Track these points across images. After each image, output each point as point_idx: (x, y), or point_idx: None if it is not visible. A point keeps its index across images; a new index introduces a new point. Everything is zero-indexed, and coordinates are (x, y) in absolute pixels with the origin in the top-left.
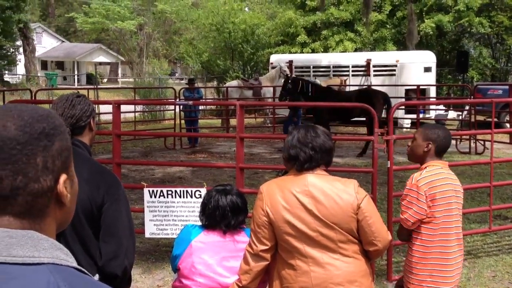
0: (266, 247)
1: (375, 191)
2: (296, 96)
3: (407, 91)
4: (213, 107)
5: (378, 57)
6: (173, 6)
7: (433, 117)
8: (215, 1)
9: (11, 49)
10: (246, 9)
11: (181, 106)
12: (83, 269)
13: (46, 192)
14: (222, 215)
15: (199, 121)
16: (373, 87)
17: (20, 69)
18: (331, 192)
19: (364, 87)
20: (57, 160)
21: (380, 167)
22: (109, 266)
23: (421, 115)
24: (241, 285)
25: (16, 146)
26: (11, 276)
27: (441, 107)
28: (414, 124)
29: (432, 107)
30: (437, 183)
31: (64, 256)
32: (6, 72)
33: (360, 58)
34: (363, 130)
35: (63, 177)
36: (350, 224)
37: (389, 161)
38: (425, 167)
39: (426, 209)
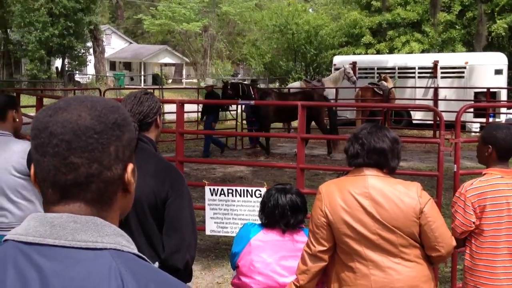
0: (324, 248)
1: (440, 195)
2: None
3: (476, 94)
4: None
5: (446, 59)
6: (237, 8)
7: (503, 122)
8: (279, 3)
9: (82, 50)
10: (310, 10)
11: (243, 107)
12: (143, 256)
13: (116, 180)
14: (282, 214)
15: None
16: (420, 90)
17: (90, 69)
18: (392, 195)
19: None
20: (126, 150)
21: (446, 171)
22: (171, 259)
23: (490, 119)
24: (298, 285)
25: (93, 135)
26: (76, 260)
27: None
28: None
29: (502, 110)
30: (488, 194)
31: (126, 243)
32: (77, 72)
33: (427, 59)
34: (429, 133)
35: (130, 166)
36: (412, 228)
37: (455, 165)
38: (483, 174)
39: (474, 220)
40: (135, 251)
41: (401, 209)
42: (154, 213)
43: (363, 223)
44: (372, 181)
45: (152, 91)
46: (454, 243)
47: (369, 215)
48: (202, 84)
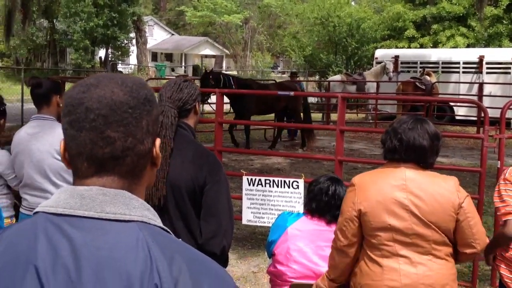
0: (351, 242)
1: (482, 192)
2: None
3: None
4: (313, 101)
5: (492, 54)
6: (279, 1)
7: None
8: None
9: (125, 41)
10: (353, 3)
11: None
12: (169, 230)
13: (147, 154)
14: (337, 205)
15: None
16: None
17: (133, 59)
18: (431, 189)
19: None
20: (155, 124)
21: (489, 168)
22: (208, 245)
23: None
24: (330, 278)
25: (128, 110)
26: (105, 231)
27: None
28: None
29: None
30: None
31: (152, 216)
32: (120, 62)
33: (472, 54)
34: (472, 130)
35: (158, 140)
36: (449, 223)
37: (499, 162)
38: None
39: None
40: (161, 224)
41: (440, 203)
42: (192, 198)
43: (399, 217)
44: (410, 174)
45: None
46: (487, 240)
47: (406, 209)
48: (174, 75)
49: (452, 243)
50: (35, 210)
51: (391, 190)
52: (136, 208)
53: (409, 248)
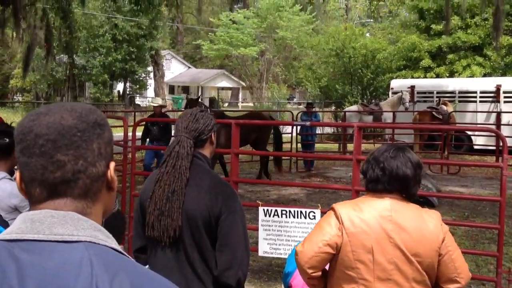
0: (318, 274)
1: (503, 222)
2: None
3: None
4: (330, 131)
5: (510, 83)
6: (294, 33)
7: None
8: (336, 27)
9: (143, 74)
10: (367, 34)
11: (298, 130)
12: (121, 250)
13: (101, 177)
14: None
15: (316, 145)
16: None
17: (150, 92)
18: (416, 221)
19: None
20: (108, 148)
21: (510, 198)
22: (223, 276)
23: None
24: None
25: (77, 133)
26: (51, 252)
27: None
28: None
29: None
30: None
31: (103, 237)
32: (138, 95)
33: (489, 83)
34: (491, 159)
35: (112, 164)
36: (433, 258)
37: None
38: None
39: None
40: (113, 245)
41: (425, 237)
42: (207, 228)
43: (383, 250)
44: (395, 205)
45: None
46: (470, 274)
47: (391, 241)
48: (152, 104)
49: (431, 283)
50: None
51: (377, 221)
52: (84, 229)
53: (388, 285)
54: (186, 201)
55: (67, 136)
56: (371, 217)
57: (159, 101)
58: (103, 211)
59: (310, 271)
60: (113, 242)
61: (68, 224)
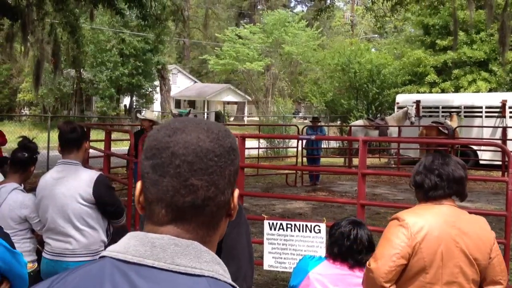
0: (392, 280)
1: (509, 237)
2: None
3: None
4: (335, 145)
5: None
6: (300, 48)
7: None
8: (341, 43)
9: (149, 89)
10: (373, 49)
11: (304, 144)
12: (236, 286)
13: (226, 205)
14: (359, 249)
15: (321, 160)
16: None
17: (156, 106)
18: (474, 226)
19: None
20: (236, 174)
21: None
22: None
23: None
24: None
25: (213, 158)
26: (173, 284)
27: None
28: None
29: None
30: None
31: (223, 272)
32: (144, 109)
33: (494, 98)
34: (497, 174)
35: (237, 191)
36: (487, 261)
37: None
38: None
39: None
40: (230, 281)
41: (483, 241)
42: None
43: (451, 254)
44: (454, 211)
45: None
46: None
47: (457, 246)
48: (140, 116)
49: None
50: (102, 254)
51: (443, 227)
52: (207, 262)
53: (452, 287)
54: None
55: (204, 160)
56: (437, 224)
57: (147, 115)
58: (219, 238)
59: (387, 285)
60: (229, 277)
61: (192, 255)
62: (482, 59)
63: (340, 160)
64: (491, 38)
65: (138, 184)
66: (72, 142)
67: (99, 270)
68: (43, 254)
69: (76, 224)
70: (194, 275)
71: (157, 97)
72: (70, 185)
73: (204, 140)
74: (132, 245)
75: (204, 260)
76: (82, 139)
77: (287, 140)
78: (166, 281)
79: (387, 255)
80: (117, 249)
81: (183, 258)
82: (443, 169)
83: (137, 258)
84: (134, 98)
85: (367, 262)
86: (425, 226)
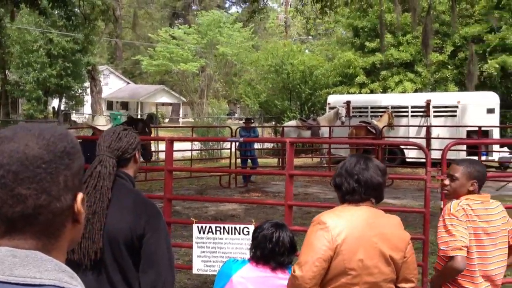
0: (315, 285)
1: (427, 232)
2: None
3: (469, 132)
4: (270, 146)
5: (439, 98)
6: (234, 49)
7: (496, 160)
8: (275, 44)
9: (79, 90)
10: (306, 51)
11: (237, 145)
12: None
13: (65, 211)
14: (281, 252)
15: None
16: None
17: (87, 109)
18: (391, 226)
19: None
20: (76, 179)
21: (434, 208)
22: None
23: (483, 157)
24: None
25: (41, 165)
26: None
27: (506, 149)
28: None
29: (495, 149)
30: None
31: (68, 279)
32: (74, 112)
33: (419, 98)
34: (422, 171)
35: (80, 195)
36: (402, 260)
37: (442, 202)
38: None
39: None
40: (78, 286)
41: (400, 240)
42: (130, 249)
43: (370, 255)
44: (372, 212)
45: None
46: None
47: (375, 246)
48: (93, 123)
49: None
50: None
51: (363, 228)
52: (48, 271)
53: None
54: (107, 222)
55: (30, 168)
56: (357, 225)
57: (100, 121)
58: (68, 244)
59: None
60: (78, 284)
61: (31, 265)
62: (408, 61)
63: (274, 161)
64: (417, 40)
65: None
66: None
67: None
68: None
69: None
70: (34, 285)
71: (88, 99)
72: None
73: (32, 147)
74: None
75: (45, 269)
76: None
77: (221, 142)
78: None
79: (310, 261)
80: None
81: (22, 269)
82: (363, 174)
83: None
84: (63, 100)
85: (292, 268)
86: (346, 228)
